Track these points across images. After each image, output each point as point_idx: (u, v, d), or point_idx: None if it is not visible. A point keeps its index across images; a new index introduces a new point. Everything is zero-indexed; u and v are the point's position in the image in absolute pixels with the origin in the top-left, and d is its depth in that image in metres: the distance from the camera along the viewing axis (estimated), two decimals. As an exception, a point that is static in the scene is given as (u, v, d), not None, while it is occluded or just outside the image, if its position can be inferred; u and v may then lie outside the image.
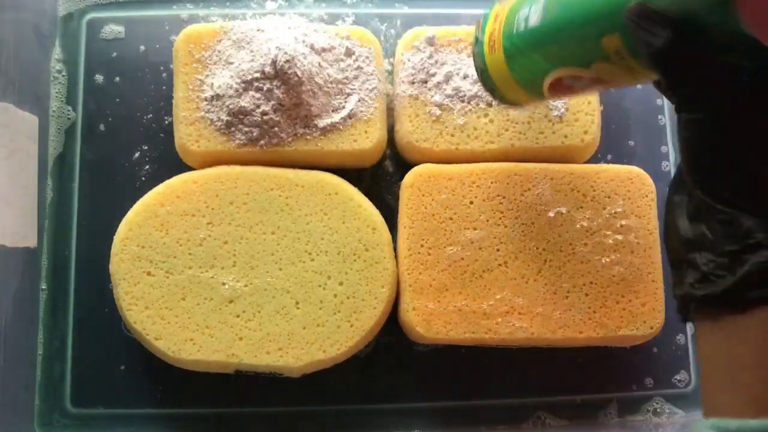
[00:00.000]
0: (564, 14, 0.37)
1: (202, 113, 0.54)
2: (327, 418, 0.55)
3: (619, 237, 0.53)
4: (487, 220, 0.53)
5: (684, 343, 0.58)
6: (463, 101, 0.56)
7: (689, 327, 0.58)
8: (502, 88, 0.45)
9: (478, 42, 0.46)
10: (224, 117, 0.54)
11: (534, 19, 0.39)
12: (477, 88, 0.56)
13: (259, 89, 0.53)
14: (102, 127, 0.59)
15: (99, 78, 0.60)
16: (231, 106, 0.54)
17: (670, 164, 0.62)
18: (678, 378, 0.58)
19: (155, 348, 0.51)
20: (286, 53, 0.52)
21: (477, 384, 0.56)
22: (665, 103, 0.63)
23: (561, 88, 0.41)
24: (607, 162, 0.60)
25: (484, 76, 0.46)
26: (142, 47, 0.60)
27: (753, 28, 0.25)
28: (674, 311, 0.54)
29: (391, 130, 0.57)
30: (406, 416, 0.56)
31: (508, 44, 0.42)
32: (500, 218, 0.53)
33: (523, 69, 0.42)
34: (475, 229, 0.53)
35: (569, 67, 0.38)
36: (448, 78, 0.56)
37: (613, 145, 0.61)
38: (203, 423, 0.55)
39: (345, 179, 0.55)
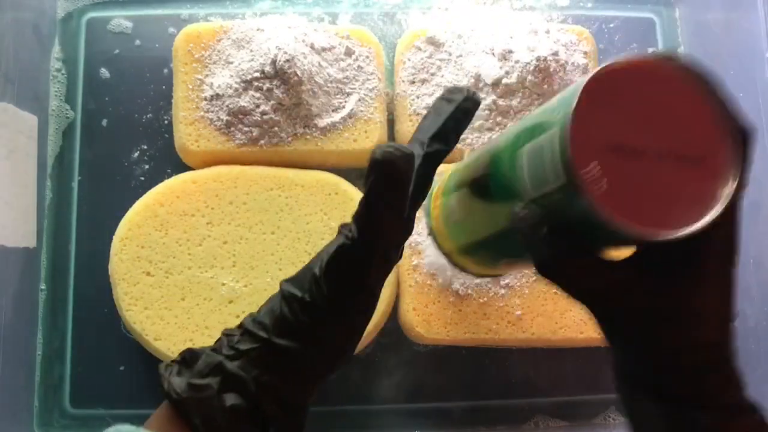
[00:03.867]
0: (476, 216, 0.38)
1: (202, 113, 0.54)
2: (327, 418, 0.55)
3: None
4: (488, 220, 0.53)
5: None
6: (463, 101, 0.56)
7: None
8: (463, 266, 0.45)
9: (429, 226, 0.46)
10: (224, 117, 0.54)
11: (458, 213, 0.40)
12: (477, 88, 0.56)
13: (258, 89, 0.53)
14: (101, 126, 0.59)
15: (98, 77, 0.59)
16: (231, 106, 0.53)
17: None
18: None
19: (154, 348, 0.51)
20: (286, 53, 0.52)
21: (477, 384, 0.56)
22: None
23: (517, 267, 0.42)
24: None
25: (447, 258, 0.46)
26: (142, 47, 0.60)
27: (613, 224, 0.27)
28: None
29: (391, 130, 0.57)
30: (406, 416, 0.56)
31: (451, 232, 0.42)
32: (500, 218, 0.53)
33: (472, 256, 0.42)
34: (475, 229, 0.53)
35: (509, 258, 0.39)
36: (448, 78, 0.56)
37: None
38: (203, 423, 0.55)
39: (345, 179, 0.55)
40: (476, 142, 0.55)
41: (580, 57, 0.57)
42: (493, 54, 0.55)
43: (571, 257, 0.30)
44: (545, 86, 0.54)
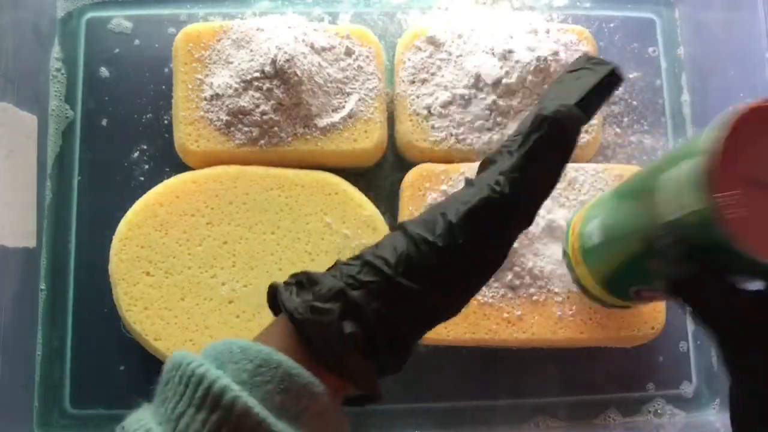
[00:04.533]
0: (612, 241, 0.41)
1: (202, 113, 0.54)
2: (327, 418, 0.55)
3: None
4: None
5: (686, 341, 0.58)
6: (463, 100, 0.56)
7: (690, 330, 0.58)
8: (597, 295, 0.47)
9: (565, 254, 0.49)
10: (224, 117, 0.54)
11: (596, 238, 0.44)
12: (477, 88, 0.55)
13: (258, 89, 0.53)
14: (101, 126, 0.59)
15: (98, 77, 0.59)
16: (230, 106, 0.53)
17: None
18: (678, 378, 0.57)
19: (154, 348, 0.51)
20: (285, 52, 0.52)
21: (477, 384, 0.56)
22: (667, 102, 0.63)
23: (645, 297, 0.44)
24: (608, 161, 0.60)
25: (580, 286, 0.49)
26: (142, 46, 0.60)
27: (745, 251, 0.29)
28: (675, 313, 0.54)
29: (391, 130, 0.57)
30: (406, 416, 0.56)
31: (587, 260, 0.45)
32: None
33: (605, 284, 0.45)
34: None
35: (639, 286, 0.42)
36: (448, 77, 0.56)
37: (614, 144, 0.61)
38: (203, 423, 0.55)
39: (345, 179, 0.55)
40: (476, 142, 0.55)
41: (580, 57, 0.57)
42: (493, 54, 0.55)
43: (708, 279, 0.30)
44: (545, 86, 0.54)
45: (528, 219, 0.30)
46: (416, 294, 0.28)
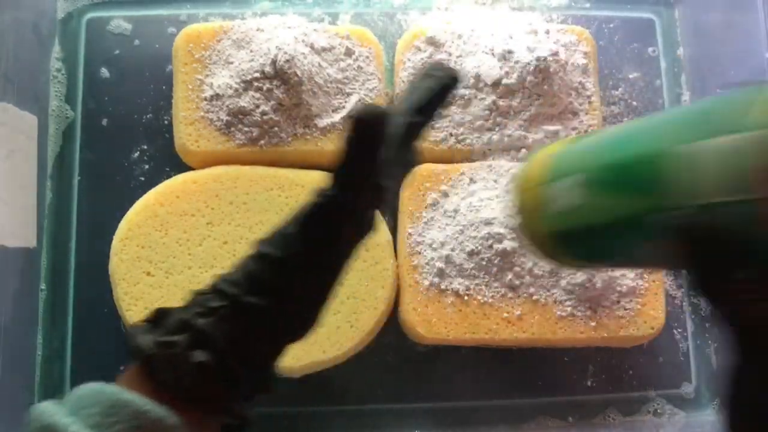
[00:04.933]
0: (598, 209, 0.34)
1: (202, 113, 0.54)
2: (327, 418, 0.55)
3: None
4: (488, 220, 0.53)
5: (686, 342, 0.58)
6: (463, 100, 0.56)
7: (690, 330, 0.58)
8: (548, 252, 0.39)
9: (519, 198, 0.40)
10: (224, 117, 0.54)
11: (575, 198, 0.36)
12: (477, 88, 0.56)
13: (258, 89, 0.53)
14: (101, 126, 0.59)
15: (99, 78, 0.59)
16: (231, 106, 0.53)
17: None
18: (678, 378, 0.57)
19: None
20: (285, 53, 0.52)
21: (477, 384, 0.56)
22: (667, 103, 0.63)
23: (609, 266, 0.42)
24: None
25: (529, 239, 0.40)
26: (142, 47, 0.60)
27: None
28: (674, 314, 0.54)
29: (391, 130, 0.57)
30: (406, 416, 0.56)
31: (552, 218, 0.37)
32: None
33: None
34: (475, 229, 0.53)
35: (614, 259, 0.37)
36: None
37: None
38: (203, 423, 0.55)
39: (345, 179, 0.55)
40: (476, 142, 0.55)
41: (579, 57, 0.57)
42: (493, 54, 0.55)
43: (740, 278, 0.28)
44: (545, 86, 0.54)
45: (360, 223, 0.31)
46: (266, 311, 0.29)
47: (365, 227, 0.32)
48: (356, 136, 0.29)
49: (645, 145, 0.31)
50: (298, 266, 0.29)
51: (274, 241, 0.29)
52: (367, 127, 0.29)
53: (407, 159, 0.34)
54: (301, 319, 0.30)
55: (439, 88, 0.33)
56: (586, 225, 0.34)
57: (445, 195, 0.54)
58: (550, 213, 0.37)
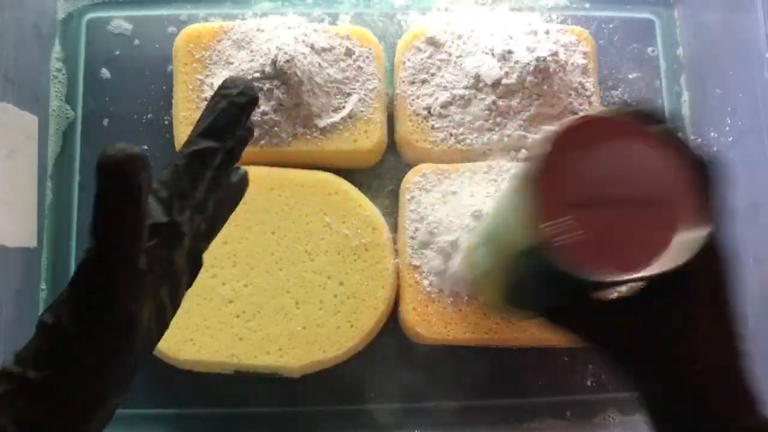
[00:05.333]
0: (495, 269, 0.41)
1: (202, 113, 0.54)
2: (327, 418, 0.55)
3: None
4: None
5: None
6: (463, 100, 0.56)
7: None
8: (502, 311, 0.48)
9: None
10: (224, 117, 0.54)
11: (485, 264, 0.44)
12: (477, 89, 0.56)
13: (259, 89, 0.53)
14: (102, 126, 0.59)
15: (99, 78, 0.59)
16: (231, 106, 0.53)
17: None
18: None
19: (155, 348, 0.51)
20: (286, 53, 0.52)
21: (477, 384, 0.56)
22: (666, 103, 0.63)
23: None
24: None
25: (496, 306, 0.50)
26: (142, 47, 0.60)
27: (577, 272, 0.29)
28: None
29: (391, 130, 0.57)
30: (406, 416, 0.56)
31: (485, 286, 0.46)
32: (500, 218, 0.53)
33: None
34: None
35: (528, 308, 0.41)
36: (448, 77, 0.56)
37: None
38: (203, 423, 0.55)
39: (345, 179, 0.55)
40: (476, 142, 0.55)
41: (579, 57, 0.57)
42: (492, 54, 0.55)
43: (573, 303, 0.32)
44: (545, 87, 0.54)
45: (137, 271, 0.27)
46: (52, 384, 0.26)
47: (160, 272, 0.28)
48: (107, 186, 0.26)
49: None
50: (75, 331, 0.26)
51: (50, 308, 0.27)
52: (120, 173, 0.26)
53: (227, 190, 0.32)
54: (97, 384, 0.27)
55: (234, 110, 0.31)
56: (498, 286, 0.41)
57: (445, 195, 0.54)
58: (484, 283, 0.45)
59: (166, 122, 0.58)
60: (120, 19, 0.60)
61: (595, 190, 0.30)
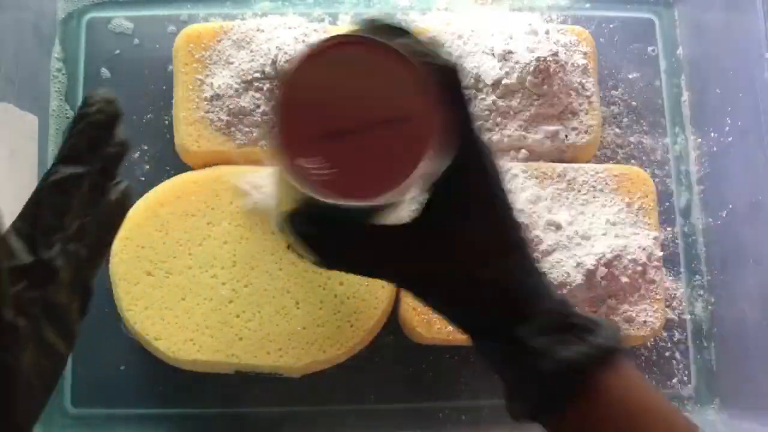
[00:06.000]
0: None
1: (202, 113, 0.54)
2: (327, 418, 0.55)
3: (619, 238, 0.53)
4: (487, 220, 0.53)
5: (685, 342, 0.58)
6: (463, 101, 0.56)
7: (690, 330, 0.58)
8: None
9: None
10: (224, 117, 0.54)
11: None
12: (477, 89, 0.56)
13: (259, 89, 0.53)
14: (102, 126, 0.59)
15: (99, 78, 0.59)
16: (231, 106, 0.54)
17: (671, 165, 0.62)
18: (677, 378, 0.57)
19: (155, 348, 0.51)
20: (286, 53, 0.52)
21: (478, 384, 0.56)
22: (667, 103, 0.63)
23: None
24: (608, 161, 0.60)
25: None
26: (143, 47, 0.60)
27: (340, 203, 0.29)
28: (673, 314, 0.54)
29: (391, 130, 0.57)
30: (406, 416, 0.56)
31: None
32: (500, 218, 0.53)
33: None
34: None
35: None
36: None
37: (613, 145, 0.61)
38: (203, 423, 0.55)
39: (345, 179, 0.55)
40: (476, 142, 0.55)
41: (579, 57, 0.57)
42: (492, 54, 0.56)
43: (346, 236, 0.32)
44: (545, 87, 0.54)
45: (13, 330, 0.26)
46: None
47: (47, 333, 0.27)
48: None
49: None
50: None
51: None
52: None
53: (108, 209, 0.30)
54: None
55: (93, 130, 0.29)
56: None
57: (445, 195, 0.54)
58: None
59: (166, 122, 0.58)
60: (120, 19, 0.60)
61: (340, 117, 0.30)
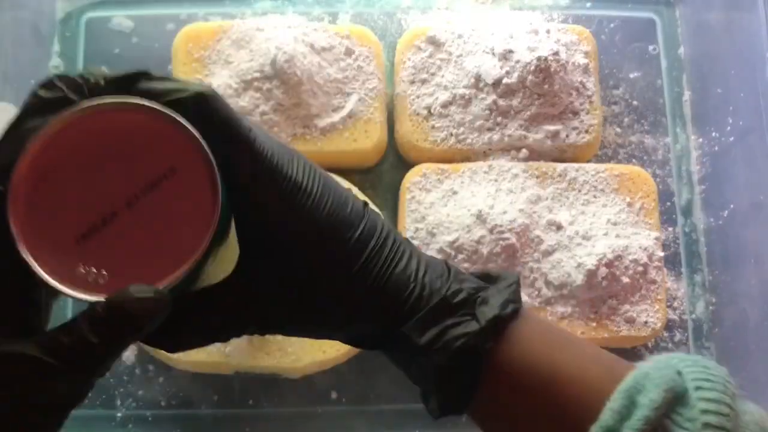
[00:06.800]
0: None
1: (202, 113, 0.54)
2: (327, 418, 0.55)
3: (620, 238, 0.53)
4: (488, 220, 0.53)
5: (686, 342, 0.58)
6: (463, 100, 0.56)
7: (690, 330, 0.58)
8: None
9: None
10: (224, 117, 0.54)
11: None
12: (477, 88, 0.55)
13: (258, 89, 0.53)
14: (101, 126, 0.59)
15: (98, 77, 0.59)
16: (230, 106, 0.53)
17: (672, 165, 0.61)
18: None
19: (154, 348, 0.51)
20: (285, 53, 0.52)
21: (477, 384, 0.56)
22: (668, 102, 0.63)
23: None
24: (609, 161, 0.60)
25: None
26: (142, 46, 0.60)
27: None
28: (674, 314, 0.54)
29: (391, 130, 0.57)
30: (405, 416, 0.56)
31: None
32: (501, 218, 0.53)
33: None
34: (475, 229, 0.53)
35: None
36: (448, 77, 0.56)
37: (614, 144, 0.61)
38: (203, 423, 0.55)
39: (345, 179, 0.55)
40: (476, 142, 0.55)
41: (580, 57, 0.57)
42: (493, 54, 0.55)
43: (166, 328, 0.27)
44: (546, 86, 0.54)
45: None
46: None
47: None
48: None
49: None
50: None
51: None
52: None
53: None
54: None
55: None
56: None
57: (445, 195, 0.54)
58: None
59: (166, 122, 0.58)
60: (120, 18, 0.60)
61: (88, 211, 0.25)
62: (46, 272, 0.25)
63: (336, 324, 0.30)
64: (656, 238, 0.54)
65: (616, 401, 0.26)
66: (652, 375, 0.27)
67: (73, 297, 0.25)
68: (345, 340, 0.31)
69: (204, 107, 0.26)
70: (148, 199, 0.25)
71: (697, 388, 0.26)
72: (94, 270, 0.25)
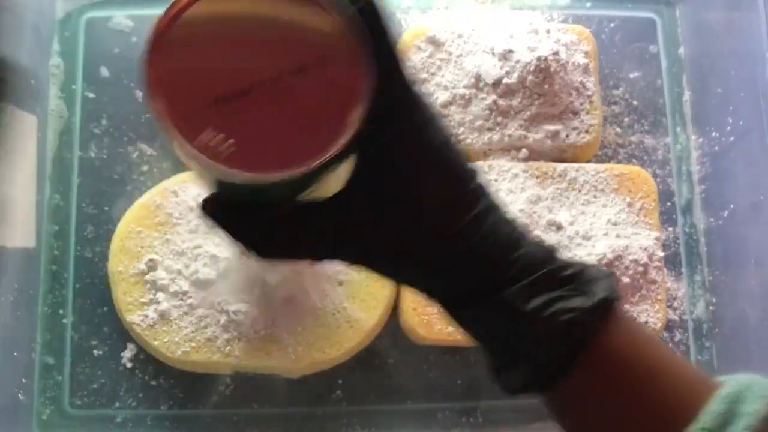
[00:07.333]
0: None
1: (202, 113, 0.54)
2: (327, 418, 0.55)
3: (621, 238, 0.53)
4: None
5: (686, 341, 0.58)
6: (463, 100, 0.56)
7: (690, 329, 0.58)
8: None
9: None
10: (224, 116, 0.54)
11: None
12: (477, 88, 0.55)
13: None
14: (101, 125, 0.59)
15: (98, 77, 0.59)
16: (230, 106, 0.53)
17: (672, 165, 0.61)
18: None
19: (154, 348, 0.51)
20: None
21: (478, 384, 0.56)
22: (668, 102, 0.63)
23: None
24: (609, 161, 0.60)
25: None
26: (142, 46, 0.60)
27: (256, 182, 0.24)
28: (674, 314, 0.54)
29: (391, 130, 0.57)
30: (406, 416, 0.55)
31: None
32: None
33: None
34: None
35: None
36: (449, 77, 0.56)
37: (614, 144, 0.61)
38: (203, 423, 0.55)
39: (345, 179, 0.55)
40: (476, 142, 0.55)
41: (580, 57, 0.57)
42: (493, 54, 0.55)
43: (265, 220, 0.28)
44: (546, 86, 0.54)
45: None
46: None
47: None
48: None
49: None
50: None
51: None
52: None
53: None
54: None
55: None
56: None
57: (446, 195, 0.54)
58: None
59: (166, 122, 0.58)
60: (119, 18, 0.60)
61: (235, 73, 0.24)
62: (175, 124, 0.24)
63: (435, 267, 0.29)
64: (656, 238, 0.54)
65: (719, 405, 0.26)
66: (754, 387, 0.27)
67: (194, 157, 0.24)
68: (429, 291, 0.30)
69: (371, 19, 0.26)
70: (292, 82, 0.24)
71: None
72: (222, 137, 0.24)
